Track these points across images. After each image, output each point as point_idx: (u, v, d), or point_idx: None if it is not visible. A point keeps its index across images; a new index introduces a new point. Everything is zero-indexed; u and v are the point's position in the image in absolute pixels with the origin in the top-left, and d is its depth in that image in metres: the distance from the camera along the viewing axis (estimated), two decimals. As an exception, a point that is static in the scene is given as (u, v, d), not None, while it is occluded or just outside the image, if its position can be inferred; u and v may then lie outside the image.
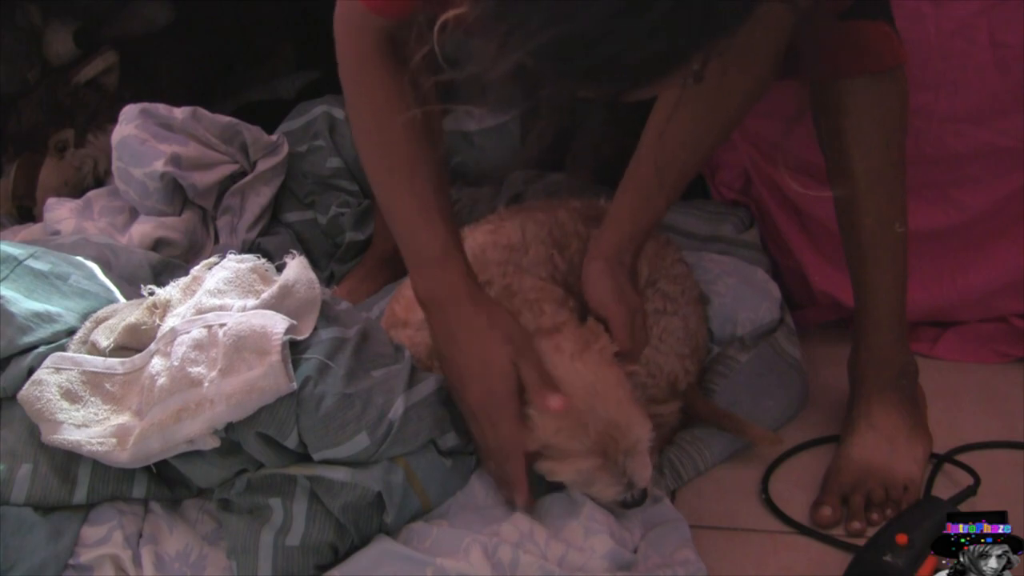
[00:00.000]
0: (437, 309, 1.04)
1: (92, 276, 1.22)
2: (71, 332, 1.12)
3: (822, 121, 1.16)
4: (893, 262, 1.19)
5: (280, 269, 1.13)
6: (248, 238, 1.56)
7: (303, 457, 1.03)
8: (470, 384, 1.01)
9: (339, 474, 1.00)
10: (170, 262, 1.40)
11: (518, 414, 0.99)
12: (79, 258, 1.24)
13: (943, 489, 1.16)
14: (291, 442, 1.00)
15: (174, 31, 2.06)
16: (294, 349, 1.02)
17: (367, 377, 1.04)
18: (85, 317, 1.14)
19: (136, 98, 1.55)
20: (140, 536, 1.04)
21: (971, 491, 1.13)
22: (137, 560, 1.01)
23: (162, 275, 1.36)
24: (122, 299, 1.21)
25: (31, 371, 1.08)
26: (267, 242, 1.57)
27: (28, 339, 1.09)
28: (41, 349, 1.09)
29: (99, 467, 1.04)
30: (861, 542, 1.06)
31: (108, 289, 1.21)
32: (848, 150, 1.14)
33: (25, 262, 1.17)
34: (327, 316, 1.09)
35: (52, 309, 1.13)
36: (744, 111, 1.09)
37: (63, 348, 1.10)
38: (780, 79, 1.06)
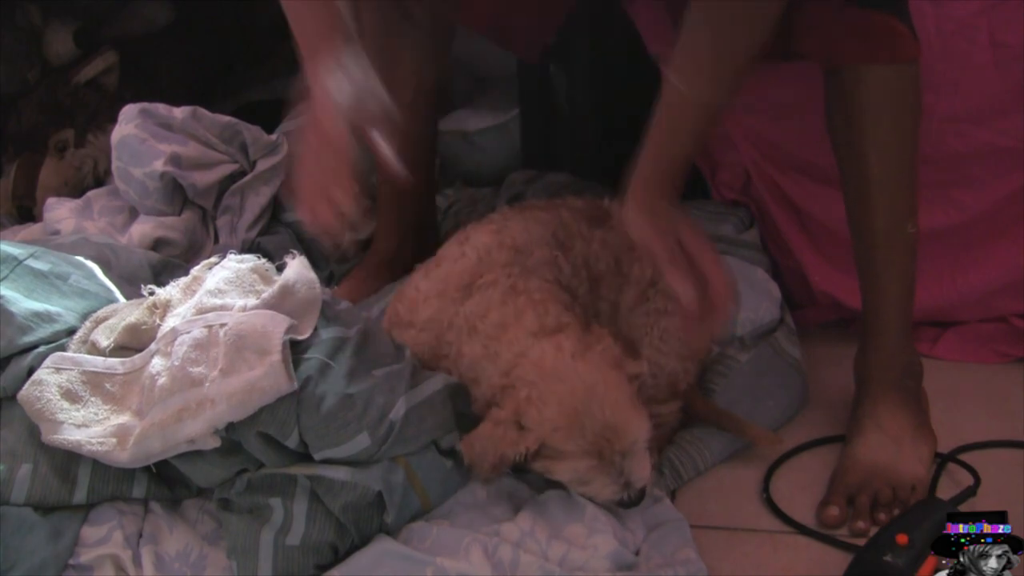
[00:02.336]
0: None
1: (92, 276, 1.22)
2: (71, 332, 1.12)
3: (836, 118, 1.15)
4: (904, 263, 1.18)
5: (280, 269, 1.13)
6: (248, 238, 1.55)
7: (304, 457, 1.03)
8: None
9: (339, 474, 1.00)
10: (170, 262, 1.40)
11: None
12: (79, 258, 1.24)
13: (944, 489, 1.16)
14: (292, 442, 1.00)
15: (174, 31, 2.07)
16: (295, 349, 1.02)
17: (368, 377, 1.04)
18: (85, 317, 1.15)
19: (136, 98, 1.55)
20: (140, 536, 1.03)
21: (971, 491, 1.13)
22: (137, 560, 1.01)
23: (162, 275, 1.35)
24: (122, 299, 1.21)
25: (31, 371, 1.08)
26: (267, 242, 1.56)
27: (28, 339, 1.09)
28: (41, 349, 1.09)
29: (99, 467, 1.03)
30: (861, 542, 1.06)
31: (108, 289, 1.21)
32: (864, 148, 1.13)
33: (25, 262, 1.17)
34: (327, 316, 1.09)
35: (52, 309, 1.13)
36: (763, 36, 1.04)
37: (63, 348, 1.10)
38: (787, 61, 1.05)
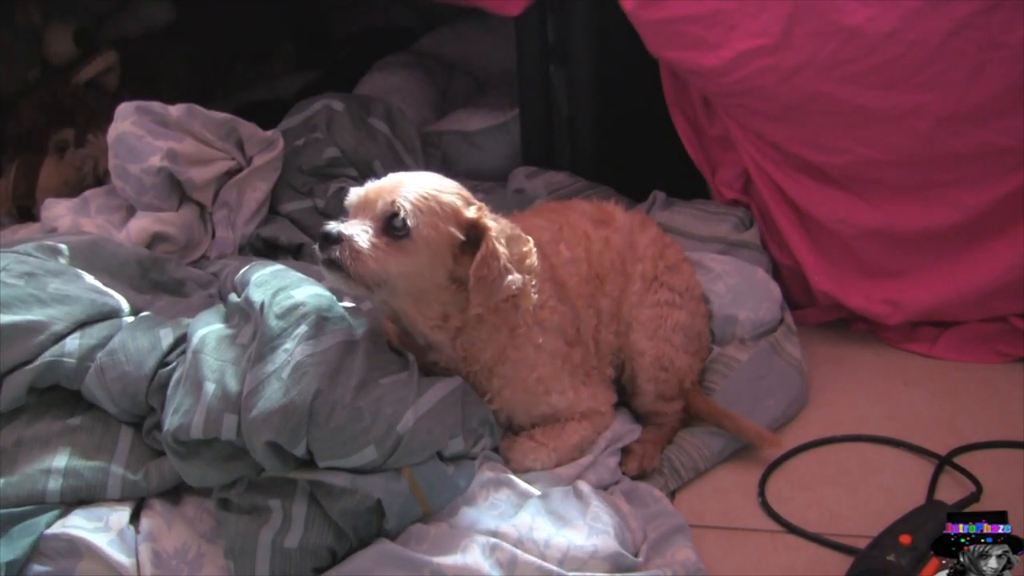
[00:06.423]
0: None
1: (75, 279, 1.19)
2: (57, 339, 1.10)
3: None
4: None
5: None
6: (246, 232, 1.55)
7: (308, 464, 1.02)
8: None
9: (339, 480, 0.99)
10: (159, 258, 1.39)
11: None
12: (61, 261, 1.23)
13: (945, 490, 1.16)
14: (299, 451, 1.00)
15: (174, 31, 2.07)
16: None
17: (376, 386, 1.03)
18: (70, 322, 1.12)
19: (136, 98, 1.54)
20: (138, 533, 1.03)
21: (974, 498, 1.13)
22: (135, 557, 1.01)
23: (151, 271, 1.35)
24: (115, 294, 1.20)
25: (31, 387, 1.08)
26: (266, 229, 1.56)
27: (11, 353, 1.08)
28: (36, 364, 1.08)
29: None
30: (860, 543, 1.06)
31: (91, 288, 1.19)
32: None
33: (5, 268, 1.14)
34: (335, 319, 1.09)
35: (33, 319, 1.10)
36: None
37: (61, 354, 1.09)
38: None
